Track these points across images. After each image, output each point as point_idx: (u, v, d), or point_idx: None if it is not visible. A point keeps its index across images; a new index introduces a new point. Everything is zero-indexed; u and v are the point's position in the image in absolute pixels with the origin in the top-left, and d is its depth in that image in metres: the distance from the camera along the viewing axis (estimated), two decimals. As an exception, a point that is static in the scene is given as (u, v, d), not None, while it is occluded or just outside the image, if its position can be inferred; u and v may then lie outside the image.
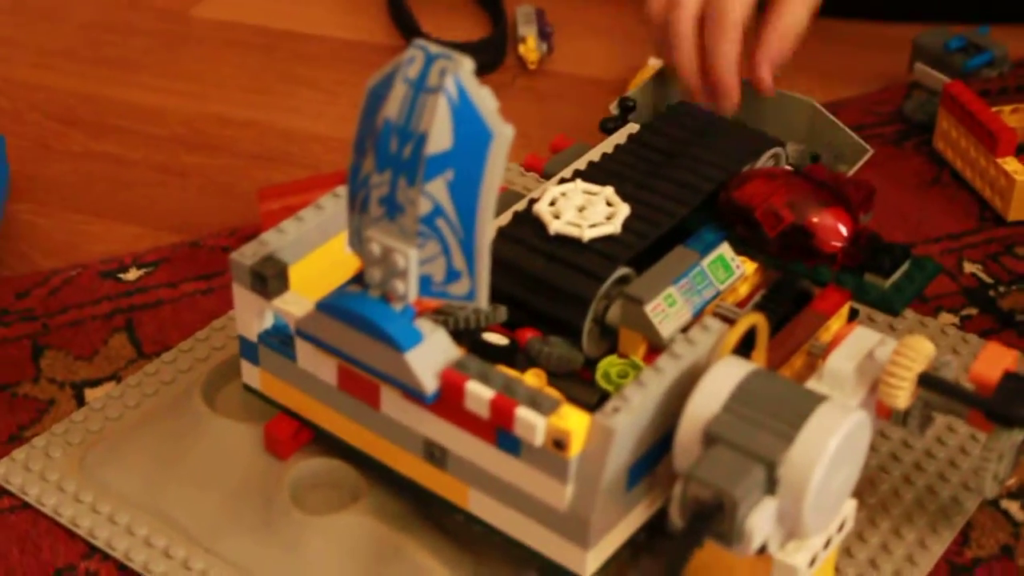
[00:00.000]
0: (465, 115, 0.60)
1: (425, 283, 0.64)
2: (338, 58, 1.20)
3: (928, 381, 0.68)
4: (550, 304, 0.73)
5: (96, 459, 0.77)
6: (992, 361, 0.69)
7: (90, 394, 0.83)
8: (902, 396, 0.68)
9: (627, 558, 0.71)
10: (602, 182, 0.79)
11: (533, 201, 0.78)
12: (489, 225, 0.62)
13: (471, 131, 0.60)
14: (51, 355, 0.86)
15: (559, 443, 0.62)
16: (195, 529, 0.73)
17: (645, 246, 0.75)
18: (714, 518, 0.60)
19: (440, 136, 0.60)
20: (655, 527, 0.69)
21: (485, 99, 0.60)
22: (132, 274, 0.93)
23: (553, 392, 0.69)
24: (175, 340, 0.86)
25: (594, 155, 0.83)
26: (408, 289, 0.64)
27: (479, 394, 0.64)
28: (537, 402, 0.63)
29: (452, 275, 0.63)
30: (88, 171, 1.05)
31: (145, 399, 0.81)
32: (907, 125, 1.08)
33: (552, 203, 0.77)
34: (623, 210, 0.76)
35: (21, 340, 0.87)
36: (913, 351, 0.68)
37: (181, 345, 0.85)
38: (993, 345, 0.71)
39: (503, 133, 0.59)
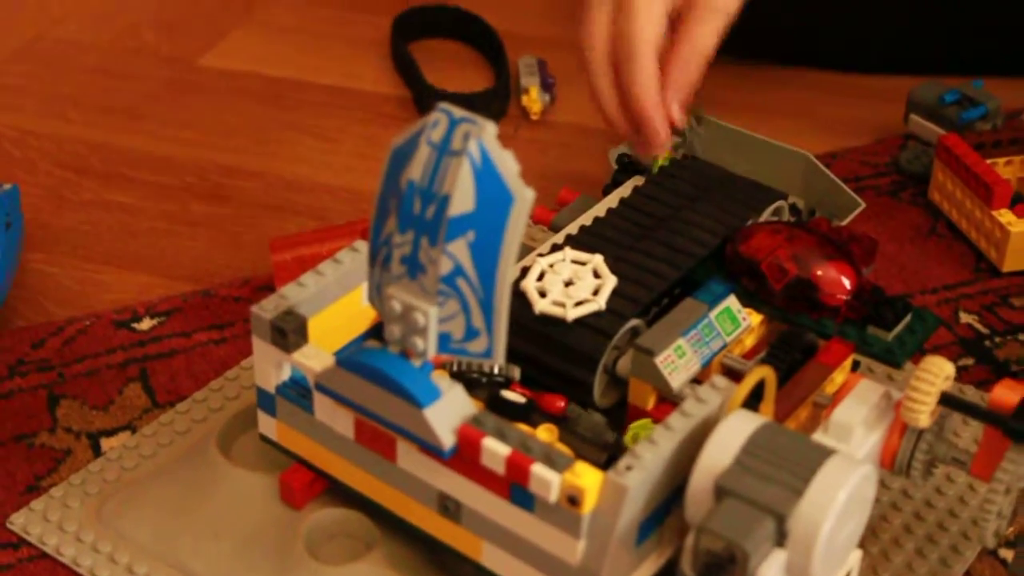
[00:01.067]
0: (488, 178, 0.62)
1: (444, 340, 0.66)
2: (343, 107, 1.22)
3: (949, 400, 0.70)
4: (554, 382, 0.76)
5: (113, 509, 0.79)
6: (1011, 387, 0.71)
7: (106, 443, 0.84)
8: (924, 414, 0.69)
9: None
10: (595, 248, 0.81)
11: (525, 270, 0.79)
12: (508, 285, 0.63)
13: (493, 194, 0.62)
14: (67, 405, 0.87)
15: (573, 499, 0.64)
16: (212, 579, 0.75)
17: (636, 313, 0.77)
18: (726, 570, 0.62)
19: (463, 198, 0.62)
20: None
21: (507, 162, 0.61)
22: (146, 324, 0.94)
23: (564, 448, 0.70)
24: (189, 390, 0.88)
25: (599, 209, 0.85)
26: (427, 346, 0.65)
27: (495, 450, 0.65)
28: (552, 459, 0.64)
29: (471, 333, 0.65)
30: (99, 220, 1.06)
31: (160, 449, 0.83)
32: (903, 176, 1.10)
33: (540, 277, 0.78)
34: (609, 282, 0.78)
35: (37, 390, 0.89)
36: (934, 370, 0.69)
37: (195, 395, 0.86)
38: (1008, 380, 0.72)
39: (524, 196, 0.61)
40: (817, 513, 0.62)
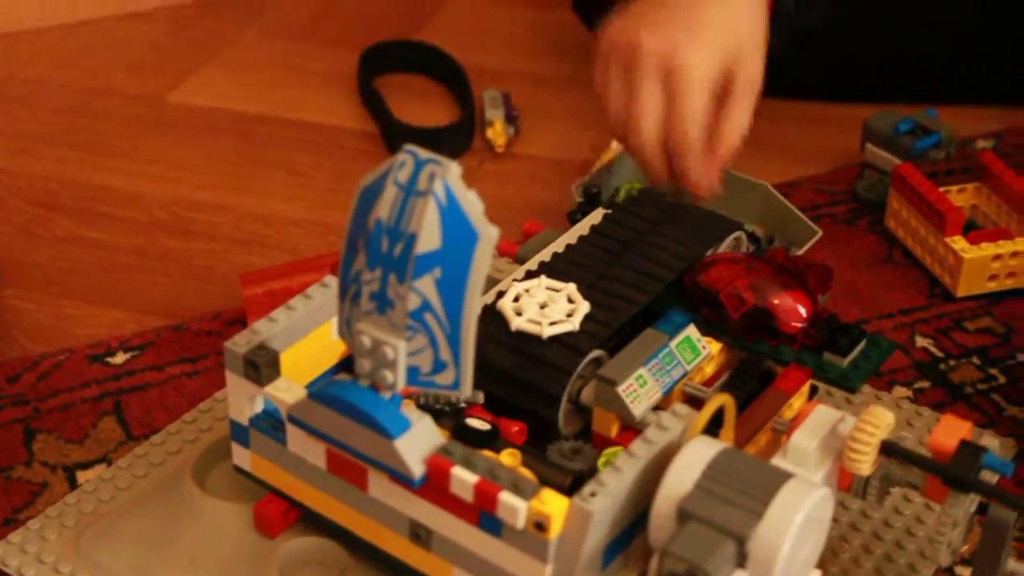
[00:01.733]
0: (453, 217, 0.64)
1: (413, 373, 0.68)
2: (311, 142, 1.24)
3: (890, 449, 0.72)
4: (525, 397, 0.78)
5: (90, 541, 0.80)
6: (949, 431, 0.73)
7: (82, 476, 0.86)
8: (865, 464, 0.72)
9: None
10: (566, 274, 0.83)
11: (501, 293, 0.82)
12: (474, 319, 0.65)
13: (459, 232, 0.64)
14: (42, 439, 0.89)
15: (540, 525, 0.66)
16: (188, 608, 0.76)
17: (609, 335, 0.80)
18: (688, 592, 0.64)
19: (429, 237, 0.64)
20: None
21: (472, 202, 0.64)
22: (119, 358, 0.96)
23: (527, 472, 0.72)
24: (162, 422, 0.89)
25: (563, 242, 0.87)
26: (397, 379, 0.67)
27: (464, 479, 0.67)
28: (519, 487, 0.66)
29: (438, 366, 0.67)
30: (71, 256, 1.08)
31: (136, 481, 0.84)
32: (859, 204, 1.13)
33: (516, 299, 0.81)
34: (583, 307, 0.80)
35: (13, 424, 0.90)
36: (875, 421, 0.72)
37: (169, 428, 0.88)
38: (949, 417, 0.74)
39: (488, 234, 0.63)
40: (776, 535, 0.64)
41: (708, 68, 0.92)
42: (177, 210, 1.14)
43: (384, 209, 0.65)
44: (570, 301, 0.81)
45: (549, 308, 0.80)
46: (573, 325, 0.79)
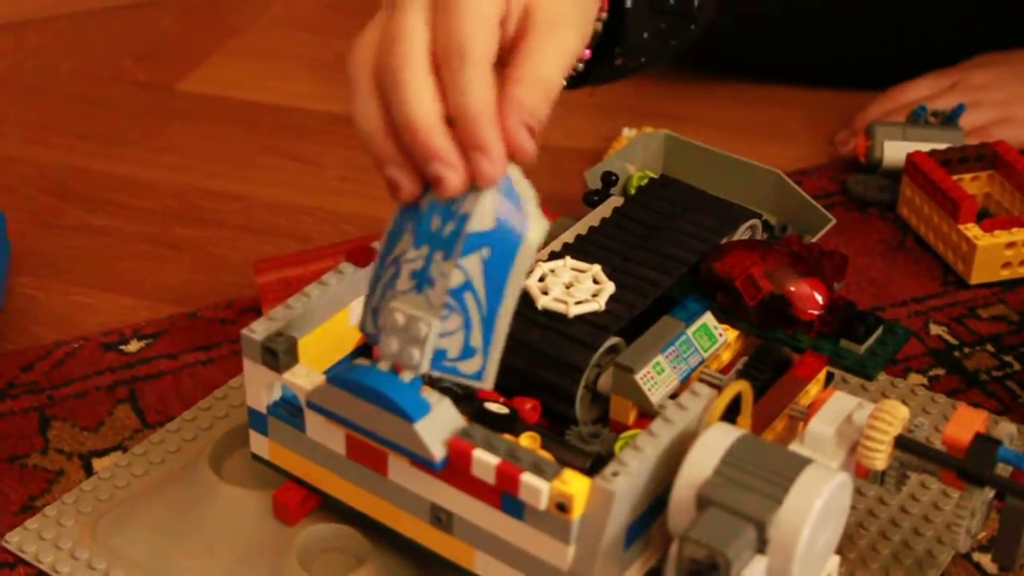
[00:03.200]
0: (509, 201, 0.65)
1: (439, 356, 0.68)
2: (322, 131, 1.24)
3: (904, 444, 0.72)
4: (547, 370, 0.78)
5: (107, 527, 0.80)
6: (963, 423, 0.73)
7: (97, 464, 0.86)
8: (880, 459, 0.72)
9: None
10: (590, 255, 0.83)
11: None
12: (512, 308, 0.66)
13: (512, 217, 0.65)
14: (58, 426, 0.89)
15: (562, 506, 0.66)
16: (206, 594, 0.76)
17: (634, 315, 0.79)
18: (709, 576, 0.64)
19: (483, 217, 0.65)
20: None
21: (527, 191, 0.66)
22: (133, 346, 0.96)
23: (547, 455, 0.72)
24: (178, 410, 0.90)
25: (580, 228, 0.87)
26: (423, 358, 0.67)
27: (485, 461, 0.67)
28: (541, 468, 0.66)
29: (467, 352, 0.68)
30: (84, 245, 1.08)
31: (152, 468, 0.84)
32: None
33: (541, 279, 0.81)
34: (608, 288, 0.80)
35: (28, 412, 0.90)
36: (889, 415, 0.72)
37: (185, 415, 0.88)
38: (964, 408, 0.75)
39: (540, 224, 0.65)
40: (796, 520, 0.64)
41: None
42: (189, 198, 1.14)
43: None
44: (595, 282, 0.81)
45: (575, 288, 0.80)
46: (599, 305, 0.79)
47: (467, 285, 0.66)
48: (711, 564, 0.64)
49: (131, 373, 0.93)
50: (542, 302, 0.79)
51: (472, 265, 0.66)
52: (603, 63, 0.87)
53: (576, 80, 0.88)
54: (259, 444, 0.78)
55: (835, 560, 0.70)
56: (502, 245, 0.65)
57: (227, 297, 1.01)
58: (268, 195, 1.15)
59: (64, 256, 1.07)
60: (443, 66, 0.66)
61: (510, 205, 0.65)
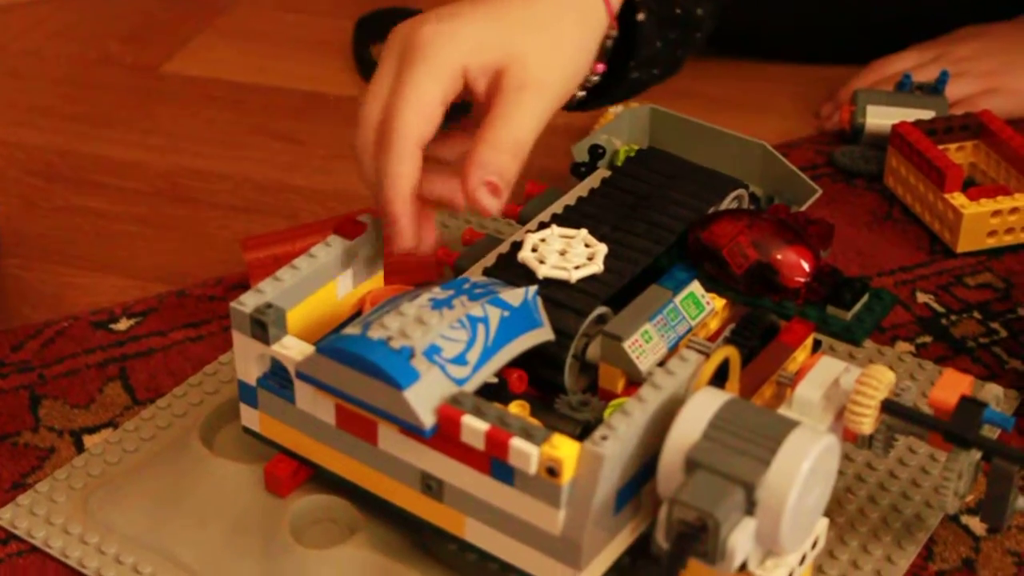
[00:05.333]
0: (531, 306, 0.76)
1: (434, 348, 0.69)
2: (307, 110, 1.24)
3: (891, 408, 0.73)
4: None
5: (99, 502, 0.80)
6: (950, 386, 0.74)
7: (88, 440, 0.86)
8: (867, 423, 0.72)
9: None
10: (578, 225, 0.83)
11: (516, 244, 0.82)
12: (511, 356, 0.73)
13: (531, 312, 0.75)
14: (48, 404, 0.89)
15: (552, 470, 0.66)
16: (199, 566, 0.76)
17: (624, 283, 0.80)
18: (698, 538, 0.64)
19: (513, 297, 0.75)
20: (638, 552, 0.72)
21: (543, 311, 0.77)
22: (123, 324, 0.96)
23: (536, 423, 0.73)
24: (168, 387, 0.90)
25: (568, 199, 0.88)
26: (419, 340, 0.69)
27: (475, 427, 0.67)
28: (530, 433, 0.67)
29: (459, 360, 0.70)
30: (72, 225, 1.08)
31: (143, 443, 0.84)
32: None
33: (534, 249, 0.81)
34: (602, 249, 0.80)
35: (19, 391, 0.90)
36: (875, 380, 0.73)
37: (175, 391, 0.88)
38: (950, 372, 0.75)
39: (547, 327, 0.76)
40: (784, 481, 0.65)
41: (449, 50, 0.76)
42: (176, 179, 1.14)
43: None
44: (587, 245, 0.81)
45: (569, 254, 0.81)
46: (598, 267, 0.80)
47: (483, 319, 0.71)
48: (700, 526, 0.64)
49: (121, 351, 0.94)
50: (541, 272, 0.80)
51: (492, 313, 0.73)
52: (619, 78, 0.88)
53: (595, 95, 0.89)
54: (250, 417, 0.78)
55: (824, 522, 0.70)
56: (521, 318, 0.74)
57: (216, 275, 1.01)
58: (256, 174, 1.15)
59: (53, 237, 1.07)
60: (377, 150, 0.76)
61: (532, 308, 0.75)
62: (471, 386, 0.70)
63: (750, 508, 0.65)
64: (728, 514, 0.64)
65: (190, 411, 0.86)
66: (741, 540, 0.64)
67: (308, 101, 1.25)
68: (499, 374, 0.76)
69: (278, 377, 0.76)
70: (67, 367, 0.92)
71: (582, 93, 0.87)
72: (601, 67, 0.86)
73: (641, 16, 0.86)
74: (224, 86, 1.28)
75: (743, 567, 0.67)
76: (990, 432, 0.74)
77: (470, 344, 0.71)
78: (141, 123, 1.22)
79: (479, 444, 0.67)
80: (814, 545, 0.70)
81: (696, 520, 0.64)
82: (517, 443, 0.66)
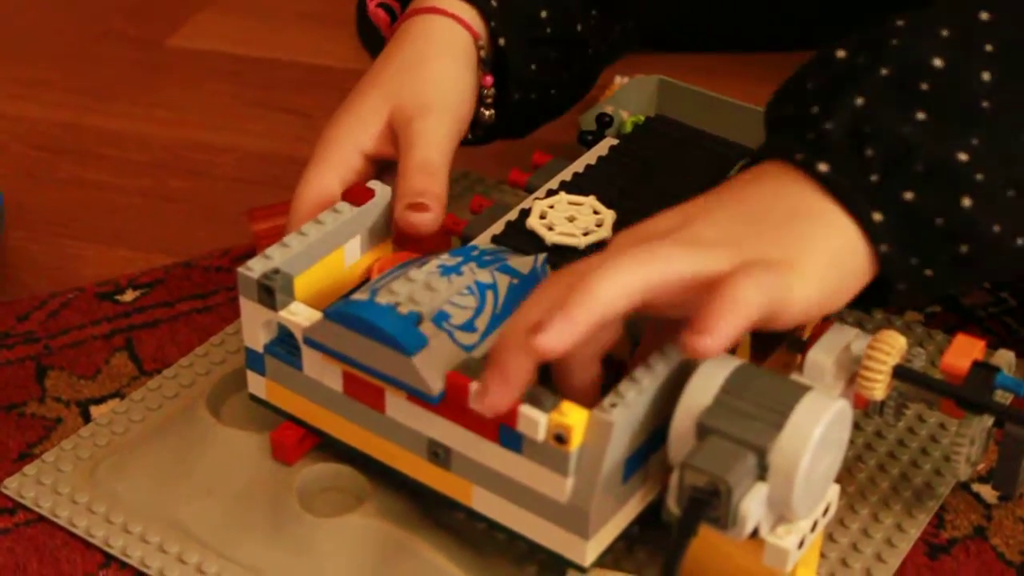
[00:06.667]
0: (542, 272, 0.76)
1: (442, 315, 0.69)
2: (312, 83, 1.23)
3: (903, 373, 0.72)
4: None
5: (106, 471, 0.80)
6: (962, 352, 0.73)
7: (95, 411, 0.86)
8: (879, 388, 0.72)
9: (623, 550, 0.75)
10: (586, 192, 0.83)
11: (524, 211, 0.82)
12: None
13: (540, 279, 0.74)
14: (55, 375, 0.89)
15: (560, 438, 0.66)
16: (207, 535, 0.76)
17: None
18: (710, 504, 0.64)
19: (520, 264, 0.75)
20: (648, 521, 0.72)
21: None
22: (129, 295, 0.96)
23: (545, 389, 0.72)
24: (174, 357, 0.89)
25: (576, 167, 0.87)
26: (427, 305, 0.68)
27: None
28: (539, 400, 0.66)
29: (468, 327, 0.70)
30: (76, 198, 1.08)
31: (150, 413, 0.84)
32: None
33: (542, 216, 0.81)
34: (610, 216, 0.80)
35: (25, 362, 0.90)
36: (887, 345, 0.72)
37: (181, 361, 0.88)
38: (962, 336, 0.75)
39: None
40: (796, 446, 0.64)
41: (337, 143, 0.84)
42: (181, 151, 1.14)
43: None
44: (595, 212, 0.81)
45: (577, 221, 0.80)
46: (607, 232, 0.79)
47: (492, 286, 0.71)
48: (712, 491, 0.64)
49: (127, 322, 0.93)
50: (550, 238, 0.79)
51: (501, 280, 0.73)
52: (503, 101, 0.90)
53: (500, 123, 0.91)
54: (256, 384, 0.78)
55: (835, 489, 0.70)
56: (530, 286, 0.72)
57: (222, 246, 1.01)
58: (260, 147, 1.14)
59: (58, 210, 1.06)
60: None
61: (543, 277, 0.75)
62: (479, 352, 0.70)
63: (762, 473, 0.65)
64: (740, 479, 0.64)
65: (197, 381, 0.86)
66: (753, 506, 0.64)
67: (312, 74, 1.25)
68: None
69: (285, 344, 0.75)
70: (73, 338, 0.92)
71: (489, 112, 0.89)
72: (489, 79, 0.87)
73: (502, 41, 0.87)
74: (227, 59, 1.27)
75: (754, 533, 0.66)
76: (1003, 398, 0.74)
77: (479, 311, 0.70)
78: (145, 96, 1.22)
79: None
80: (826, 512, 0.69)
81: (708, 485, 0.64)
82: (526, 410, 0.66)
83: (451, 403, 0.68)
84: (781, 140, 0.70)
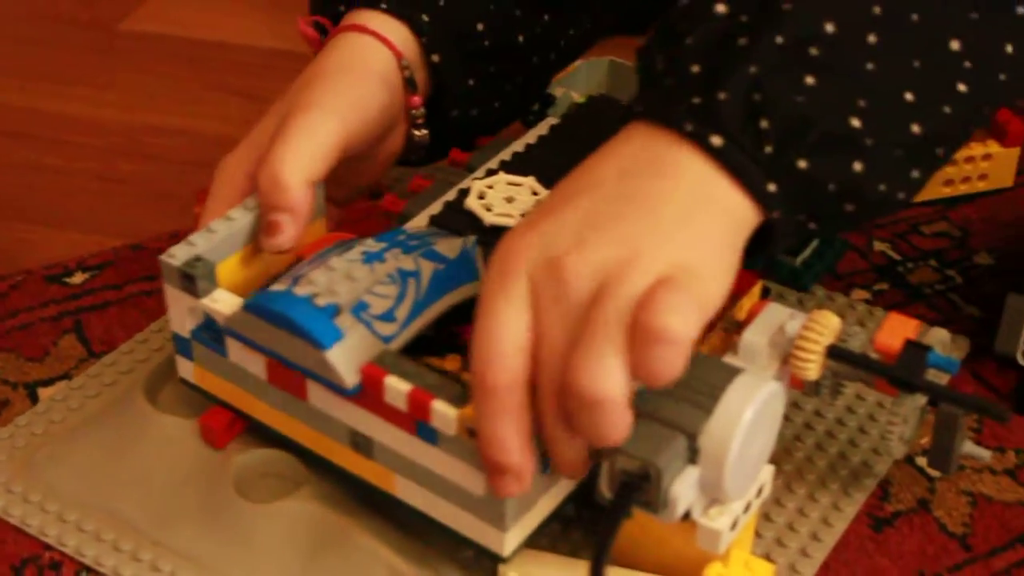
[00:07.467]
0: (470, 256, 0.75)
1: (361, 306, 0.69)
2: (267, 67, 1.23)
3: (836, 353, 0.73)
4: None
5: (42, 461, 0.79)
6: (895, 330, 0.74)
7: (44, 393, 0.85)
8: (812, 368, 0.72)
9: (558, 532, 0.75)
10: (527, 172, 0.83)
11: (462, 192, 0.82)
12: (441, 312, 0.72)
13: (468, 264, 0.74)
14: (2, 357, 0.89)
15: (473, 432, 0.64)
16: (143, 522, 0.76)
17: None
18: (640, 488, 0.64)
19: (448, 248, 0.73)
20: (584, 501, 0.72)
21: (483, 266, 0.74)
22: (78, 278, 0.96)
23: (470, 377, 0.72)
24: (123, 339, 0.89)
25: (516, 147, 0.87)
26: (345, 296, 0.68)
27: (397, 388, 0.66)
28: (452, 394, 0.66)
29: (388, 316, 0.69)
30: (28, 182, 1.08)
31: (87, 401, 0.84)
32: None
33: (481, 196, 0.81)
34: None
35: (-29, 345, 0.90)
36: (821, 325, 0.72)
37: (121, 348, 0.88)
38: (895, 315, 0.75)
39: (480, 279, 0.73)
40: (726, 430, 0.64)
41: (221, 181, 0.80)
42: (134, 135, 1.14)
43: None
44: (534, 193, 0.81)
45: (516, 202, 0.80)
46: None
47: (415, 274, 0.70)
48: (643, 475, 0.63)
49: (76, 304, 0.93)
50: (488, 219, 0.79)
51: (425, 267, 0.71)
52: (440, 118, 0.87)
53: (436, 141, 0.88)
54: (185, 369, 0.78)
55: (769, 470, 0.70)
56: (457, 271, 0.72)
57: (172, 228, 1.01)
58: (214, 130, 1.14)
59: (9, 194, 1.06)
60: None
61: (470, 259, 0.74)
62: (399, 343, 0.69)
63: (693, 456, 0.65)
64: (670, 462, 0.64)
65: (136, 368, 0.86)
66: (684, 489, 0.64)
67: (265, 58, 1.24)
68: (439, 327, 0.75)
69: (211, 330, 0.75)
70: (21, 320, 0.92)
71: (421, 132, 0.86)
72: (417, 100, 0.85)
73: (436, 58, 0.85)
74: (181, 43, 1.27)
75: (687, 516, 0.66)
76: (937, 377, 0.74)
77: (399, 300, 0.70)
78: (98, 80, 1.22)
79: (402, 405, 0.67)
80: (759, 493, 0.69)
81: (639, 469, 0.63)
82: (438, 405, 0.65)
83: (368, 395, 0.68)
84: (663, 103, 0.67)
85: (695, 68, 0.66)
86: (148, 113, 1.16)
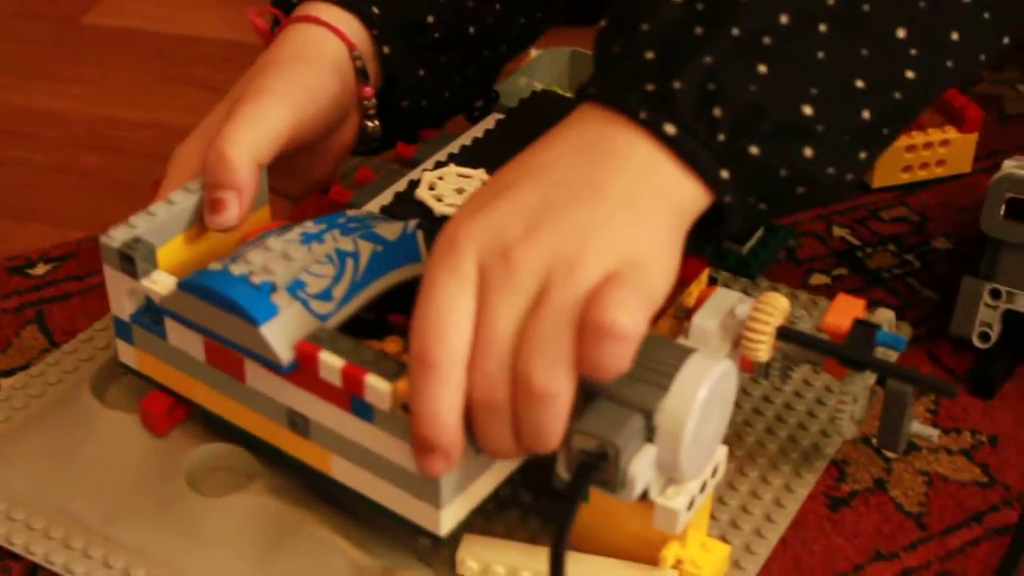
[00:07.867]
0: (412, 238, 0.74)
1: (298, 284, 0.69)
2: (228, 58, 1.23)
3: (786, 334, 0.73)
4: None
5: (-11, 461, 0.79)
6: (842, 311, 0.74)
7: (5, 383, 0.85)
8: (763, 349, 0.73)
9: (517, 519, 0.75)
10: (475, 165, 0.83)
11: (412, 183, 0.82)
12: (377, 293, 0.72)
13: (410, 247, 0.74)
14: (-38, 349, 0.89)
15: (407, 407, 0.64)
16: (93, 519, 0.75)
17: None
18: (598, 467, 0.64)
19: (388, 231, 0.73)
20: (541, 489, 0.73)
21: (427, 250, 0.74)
22: (40, 269, 0.96)
23: (398, 359, 0.71)
24: (85, 328, 0.90)
25: (464, 140, 0.88)
26: (281, 275, 0.68)
27: (331, 363, 0.66)
28: (385, 368, 0.65)
29: (325, 295, 0.69)
30: (-10, 175, 1.08)
31: (32, 400, 0.83)
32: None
33: (431, 187, 0.81)
34: None
35: (-69, 337, 0.90)
36: (770, 306, 0.73)
37: (64, 347, 0.87)
38: (842, 296, 0.75)
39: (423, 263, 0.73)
40: (682, 406, 0.64)
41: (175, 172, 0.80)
42: (98, 128, 1.14)
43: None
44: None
45: (466, 193, 0.81)
46: None
47: (353, 254, 0.70)
48: (601, 454, 0.63)
49: (38, 295, 0.94)
50: (439, 209, 0.80)
51: (364, 247, 0.71)
52: (391, 108, 0.88)
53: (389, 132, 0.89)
54: (126, 353, 0.77)
55: (723, 450, 0.70)
56: (397, 253, 0.72)
57: (134, 221, 1.01)
58: (178, 122, 1.14)
59: (-29, 188, 1.07)
60: None
61: (411, 241, 0.74)
62: (335, 321, 0.69)
63: (650, 435, 0.65)
64: (628, 441, 0.64)
65: (81, 367, 0.85)
66: (642, 467, 0.64)
67: (227, 50, 1.25)
68: (377, 310, 0.76)
69: (151, 313, 0.75)
70: (-19, 313, 0.92)
71: (373, 123, 0.87)
72: (369, 90, 0.85)
73: (386, 49, 0.85)
74: (143, 36, 1.27)
75: (644, 496, 0.67)
76: (886, 355, 0.75)
77: (337, 279, 0.70)
78: (62, 74, 1.22)
79: (336, 380, 0.66)
80: (714, 473, 0.70)
81: (597, 448, 0.64)
82: (372, 380, 0.65)
83: (303, 373, 0.68)
84: (617, 87, 0.67)
85: (650, 55, 0.67)
86: (111, 106, 1.17)
